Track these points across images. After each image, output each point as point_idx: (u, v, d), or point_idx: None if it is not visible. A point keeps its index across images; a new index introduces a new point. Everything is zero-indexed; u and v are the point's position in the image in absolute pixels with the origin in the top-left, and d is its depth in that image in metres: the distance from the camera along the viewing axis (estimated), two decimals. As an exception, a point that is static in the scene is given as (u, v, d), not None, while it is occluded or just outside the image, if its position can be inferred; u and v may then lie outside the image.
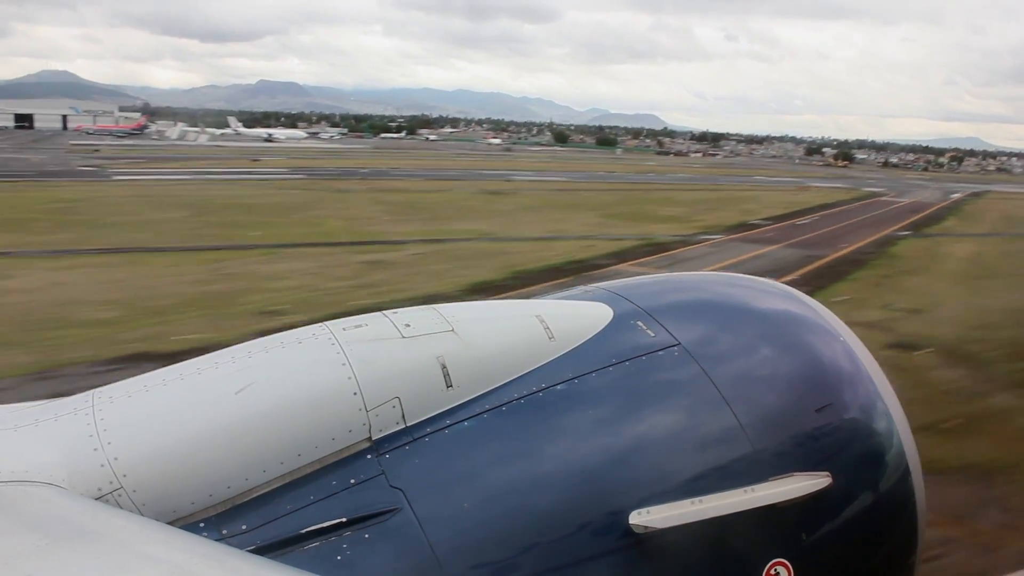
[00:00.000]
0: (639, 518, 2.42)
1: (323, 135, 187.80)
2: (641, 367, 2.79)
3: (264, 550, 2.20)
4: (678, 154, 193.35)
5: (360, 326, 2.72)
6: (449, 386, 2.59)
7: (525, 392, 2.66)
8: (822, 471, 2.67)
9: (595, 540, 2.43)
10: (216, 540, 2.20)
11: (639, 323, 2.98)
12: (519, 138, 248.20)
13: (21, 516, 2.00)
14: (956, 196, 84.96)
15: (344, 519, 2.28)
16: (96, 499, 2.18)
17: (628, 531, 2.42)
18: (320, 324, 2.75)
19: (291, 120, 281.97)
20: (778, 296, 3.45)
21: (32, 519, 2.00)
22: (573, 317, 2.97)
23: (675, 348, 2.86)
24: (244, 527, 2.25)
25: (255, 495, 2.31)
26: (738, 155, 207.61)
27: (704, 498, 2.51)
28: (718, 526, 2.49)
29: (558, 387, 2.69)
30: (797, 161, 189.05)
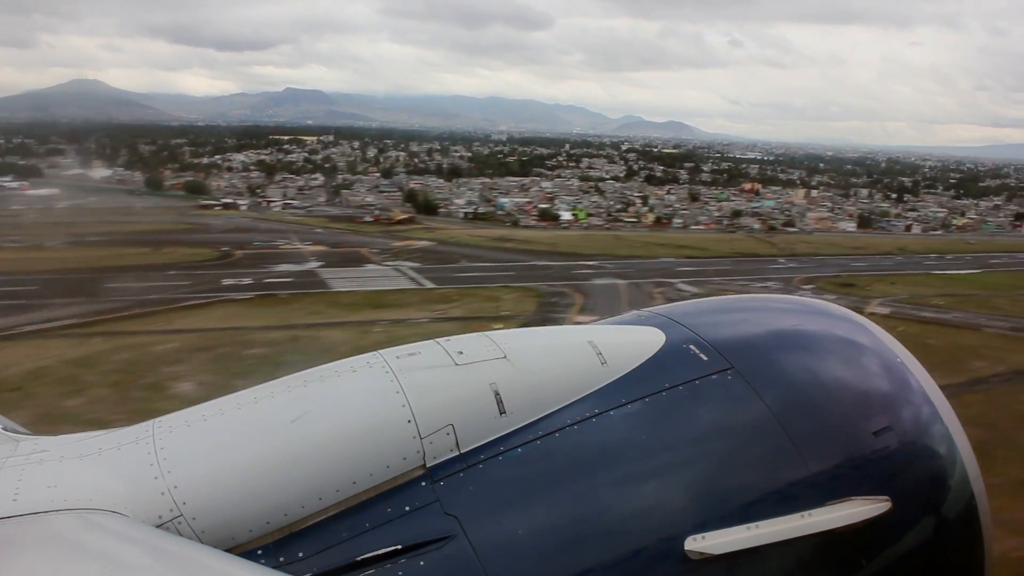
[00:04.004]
0: (695, 544, 2.40)
1: None
2: (694, 391, 2.77)
3: None
4: (227, 206, 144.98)
5: (413, 354, 2.75)
6: (502, 412, 2.60)
7: (578, 418, 2.66)
8: (881, 495, 2.60)
9: (650, 566, 2.40)
10: (273, 567, 2.26)
11: (691, 347, 2.95)
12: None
13: (86, 543, 2.10)
14: None
15: (399, 546, 2.30)
16: (157, 526, 2.25)
17: (684, 557, 2.40)
18: (374, 353, 2.79)
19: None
20: (833, 317, 3.33)
21: (96, 546, 2.10)
22: (625, 342, 2.97)
23: (728, 372, 2.83)
24: (301, 554, 2.30)
25: (311, 523, 2.36)
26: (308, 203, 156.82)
27: (760, 523, 2.46)
28: (775, 552, 2.45)
29: (611, 412, 2.69)
30: (373, 214, 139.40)
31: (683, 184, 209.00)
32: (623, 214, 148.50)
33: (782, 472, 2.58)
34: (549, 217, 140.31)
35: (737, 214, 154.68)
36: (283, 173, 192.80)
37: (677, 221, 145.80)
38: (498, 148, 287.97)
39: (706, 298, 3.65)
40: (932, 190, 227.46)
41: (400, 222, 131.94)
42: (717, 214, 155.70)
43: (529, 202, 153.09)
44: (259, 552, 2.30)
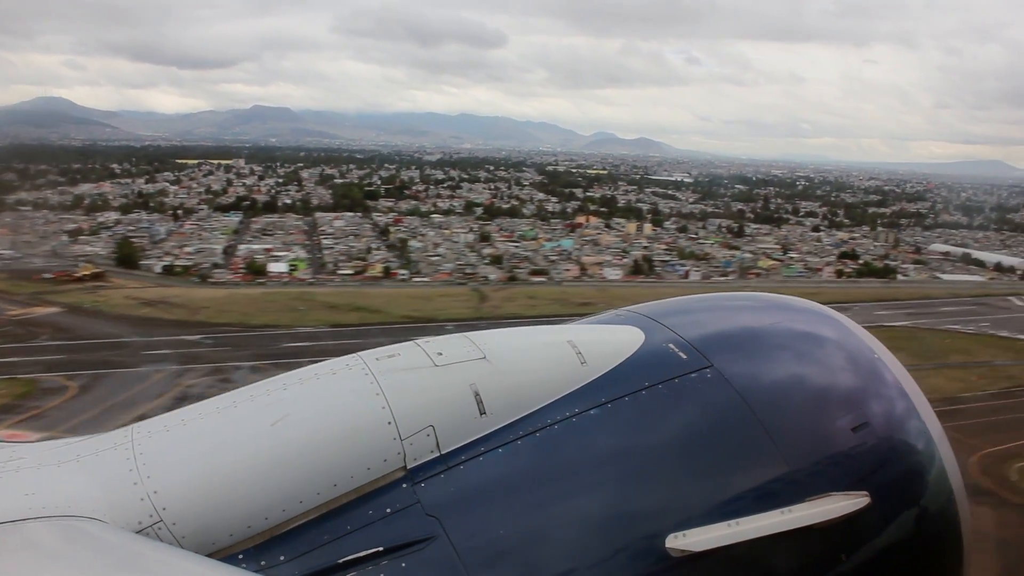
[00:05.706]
0: (675, 541, 2.43)
1: None
2: (674, 390, 2.79)
3: None
4: None
5: (393, 356, 2.77)
6: (482, 413, 2.62)
7: (558, 417, 2.69)
8: (860, 491, 2.63)
9: (632, 564, 2.43)
10: (255, 572, 2.26)
11: (671, 345, 2.97)
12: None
13: (64, 551, 2.10)
14: None
15: (381, 548, 2.32)
16: (136, 532, 2.25)
17: (665, 554, 2.42)
18: (353, 355, 2.80)
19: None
20: (811, 314, 3.37)
21: (74, 553, 2.09)
22: (605, 341, 3.00)
23: (708, 370, 2.85)
24: (282, 558, 2.31)
25: (293, 526, 2.37)
26: None
27: (741, 520, 2.49)
28: (755, 548, 2.47)
29: (591, 412, 2.71)
30: (56, 270, 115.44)
31: (524, 217, 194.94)
32: (353, 263, 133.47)
33: (762, 469, 2.60)
34: (255, 270, 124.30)
35: (497, 260, 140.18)
36: (75, 211, 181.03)
37: (403, 273, 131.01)
38: (392, 172, 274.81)
39: (685, 296, 3.62)
40: (808, 218, 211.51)
41: (81, 279, 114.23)
42: (470, 260, 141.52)
43: (268, 249, 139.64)
44: (240, 556, 2.29)
